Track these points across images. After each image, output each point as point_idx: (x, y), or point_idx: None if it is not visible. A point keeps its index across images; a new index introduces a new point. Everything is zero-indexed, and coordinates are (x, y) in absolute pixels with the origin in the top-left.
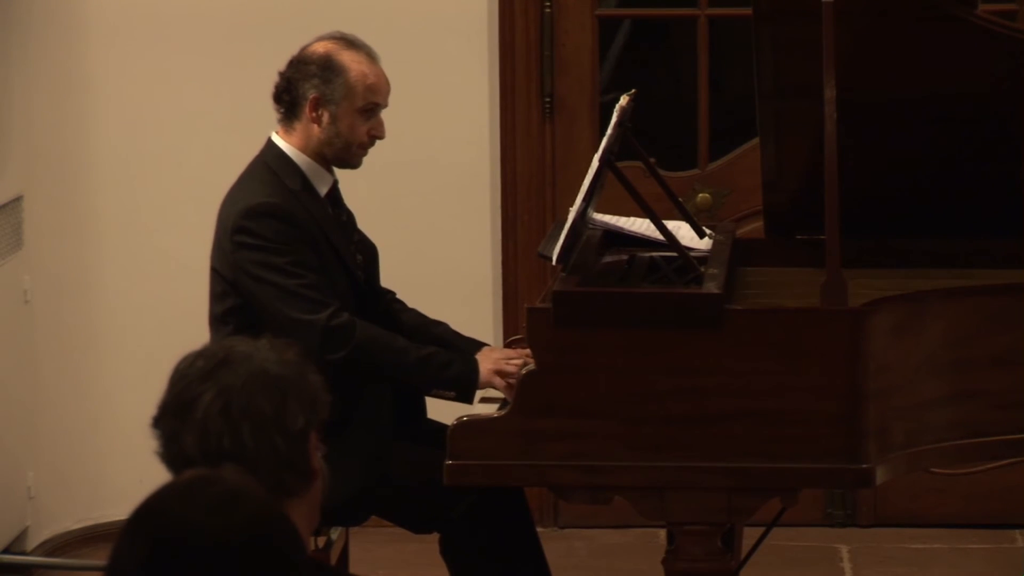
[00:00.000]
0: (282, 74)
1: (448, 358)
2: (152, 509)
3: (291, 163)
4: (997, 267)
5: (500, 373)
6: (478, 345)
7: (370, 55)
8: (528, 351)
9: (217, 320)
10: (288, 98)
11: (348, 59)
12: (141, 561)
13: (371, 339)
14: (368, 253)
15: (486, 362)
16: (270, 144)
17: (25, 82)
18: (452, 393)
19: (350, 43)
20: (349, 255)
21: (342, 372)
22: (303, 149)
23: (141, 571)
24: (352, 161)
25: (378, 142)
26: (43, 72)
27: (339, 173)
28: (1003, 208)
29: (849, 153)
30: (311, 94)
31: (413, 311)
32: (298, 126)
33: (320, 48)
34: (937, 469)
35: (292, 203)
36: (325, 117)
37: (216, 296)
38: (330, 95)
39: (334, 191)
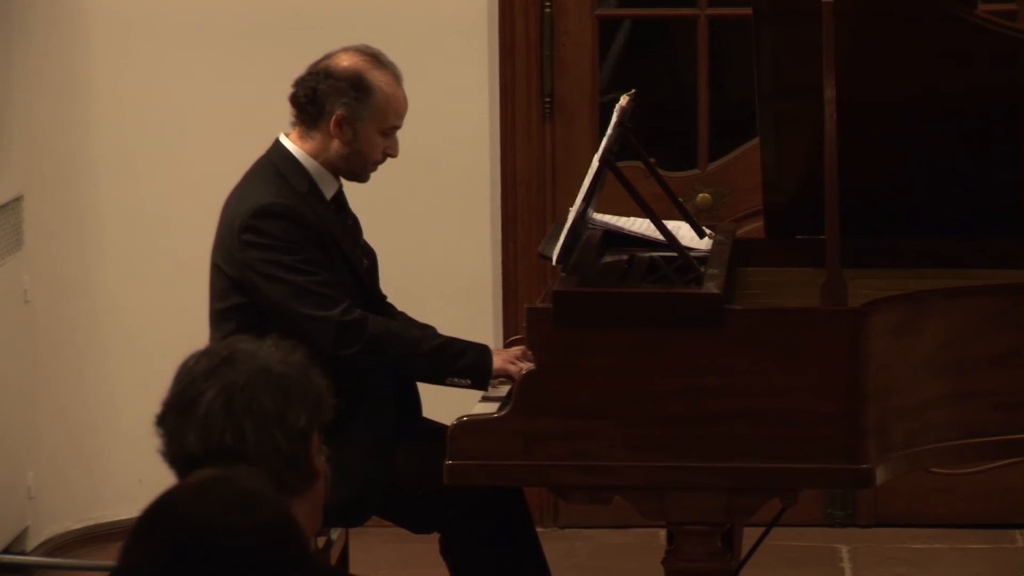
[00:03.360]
0: (305, 82)
1: (461, 346)
2: (168, 508)
3: (299, 166)
4: (997, 267)
5: (512, 363)
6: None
7: (396, 75)
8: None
9: (218, 316)
10: (313, 109)
11: (379, 80)
12: (158, 560)
13: (384, 332)
14: (371, 258)
15: (498, 354)
16: (277, 146)
17: (26, 82)
18: (467, 381)
19: (379, 61)
20: (356, 258)
21: (356, 367)
22: (315, 156)
23: (158, 570)
24: (363, 176)
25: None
26: (44, 72)
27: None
28: (1003, 208)
29: (849, 153)
30: (339, 111)
31: (402, 315)
32: (317, 135)
33: (350, 63)
34: (937, 469)
35: (300, 205)
36: (348, 134)
37: (218, 293)
38: (358, 115)
39: (339, 195)
